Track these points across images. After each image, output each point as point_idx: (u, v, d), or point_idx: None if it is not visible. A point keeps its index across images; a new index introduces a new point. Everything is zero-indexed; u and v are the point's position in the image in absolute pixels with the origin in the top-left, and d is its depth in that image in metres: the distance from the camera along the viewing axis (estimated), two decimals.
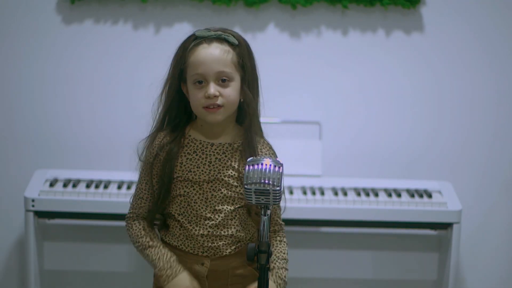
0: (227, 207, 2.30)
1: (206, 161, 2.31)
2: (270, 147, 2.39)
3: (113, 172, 3.46)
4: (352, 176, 3.58)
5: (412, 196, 3.36)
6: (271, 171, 2.03)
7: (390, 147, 3.65)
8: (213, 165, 2.30)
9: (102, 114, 3.60)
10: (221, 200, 2.30)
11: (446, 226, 3.35)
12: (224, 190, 2.30)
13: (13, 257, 3.67)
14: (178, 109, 2.35)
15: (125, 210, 3.23)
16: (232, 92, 2.26)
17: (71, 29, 3.55)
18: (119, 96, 3.59)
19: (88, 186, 3.32)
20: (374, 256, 3.58)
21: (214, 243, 2.31)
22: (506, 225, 3.73)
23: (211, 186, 2.30)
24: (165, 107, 2.35)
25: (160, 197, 2.32)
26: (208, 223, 2.30)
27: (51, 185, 3.33)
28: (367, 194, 3.36)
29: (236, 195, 2.31)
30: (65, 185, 3.33)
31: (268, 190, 2.03)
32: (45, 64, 3.57)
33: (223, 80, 2.25)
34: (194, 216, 2.31)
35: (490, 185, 3.69)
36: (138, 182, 2.39)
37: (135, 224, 2.37)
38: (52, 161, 3.58)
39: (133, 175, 3.40)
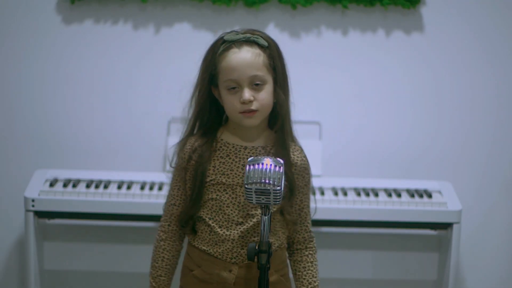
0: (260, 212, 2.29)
1: (239, 164, 2.29)
2: (302, 151, 2.37)
3: (113, 172, 3.46)
4: (352, 176, 3.57)
5: (412, 196, 3.36)
6: (272, 170, 2.03)
7: (390, 147, 3.64)
8: None
9: (102, 114, 3.60)
10: (254, 204, 2.26)
11: (446, 226, 3.35)
12: None
13: (13, 257, 3.67)
14: (210, 113, 2.32)
15: (124, 210, 3.27)
16: (266, 95, 2.25)
17: (71, 29, 3.55)
18: (119, 96, 3.59)
19: (88, 186, 3.32)
20: (374, 256, 3.58)
21: (244, 248, 2.28)
22: (506, 225, 3.73)
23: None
24: (195, 112, 2.33)
25: (192, 201, 2.30)
26: (239, 227, 2.27)
27: (51, 185, 3.33)
28: (367, 194, 3.36)
29: None
30: (65, 185, 3.33)
31: (269, 190, 2.03)
32: (45, 64, 3.57)
33: (257, 84, 2.23)
34: (226, 221, 2.28)
35: (490, 185, 3.69)
36: (170, 189, 2.36)
37: (160, 246, 2.34)
38: (52, 161, 3.57)
39: (133, 175, 3.43)
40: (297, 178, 2.33)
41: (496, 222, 3.72)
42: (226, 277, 2.29)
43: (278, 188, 2.03)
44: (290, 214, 2.33)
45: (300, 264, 2.38)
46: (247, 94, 2.22)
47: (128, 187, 3.33)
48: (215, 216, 2.29)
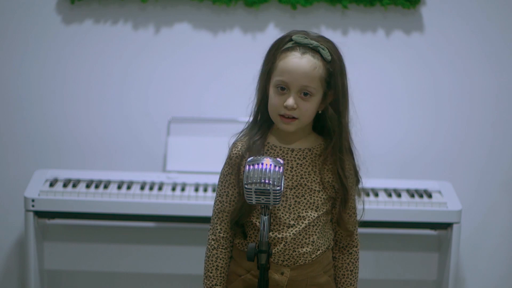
0: (311, 214, 2.25)
1: (288, 166, 2.25)
2: (353, 166, 2.34)
3: (113, 172, 3.46)
4: None
5: (412, 196, 3.36)
6: (271, 170, 2.02)
7: (390, 147, 3.64)
8: (295, 170, 2.25)
9: (103, 114, 3.60)
10: (305, 206, 2.25)
11: (446, 226, 3.35)
12: (307, 196, 2.25)
13: (13, 257, 3.67)
14: (263, 111, 2.28)
15: (124, 210, 3.27)
16: (310, 106, 2.21)
17: (71, 29, 3.55)
18: (119, 96, 3.59)
19: (88, 186, 3.32)
20: (374, 256, 3.58)
21: (295, 251, 2.25)
22: (506, 225, 3.73)
23: (294, 193, 2.25)
24: (256, 104, 2.30)
25: (242, 207, 2.25)
26: (291, 230, 2.25)
27: (51, 185, 3.33)
28: (367, 194, 3.36)
29: (320, 201, 2.26)
30: (65, 185, 3.33)
31: (269, 190, 2.02)
32: (45, 64, 3.57)
33: (305, 94, 2.20)
34: (277, 224, 2.25)
35: (490, 185, 3.69)
36: (218, 195, 2.31)
37: (213, 255, 2.30)
38: (52, 161, 3.58)
39: (133, 175, 3.43)
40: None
41: (496, 222, 3.72)
42: (278, 279, 2.26)
43: (278, 188, 2.02)
44: (345, 226, 2.30)
45: (340, 271, 2.36)
46: (291, 101, 2.19)
47: (128, 187, 3.33)
48: None
